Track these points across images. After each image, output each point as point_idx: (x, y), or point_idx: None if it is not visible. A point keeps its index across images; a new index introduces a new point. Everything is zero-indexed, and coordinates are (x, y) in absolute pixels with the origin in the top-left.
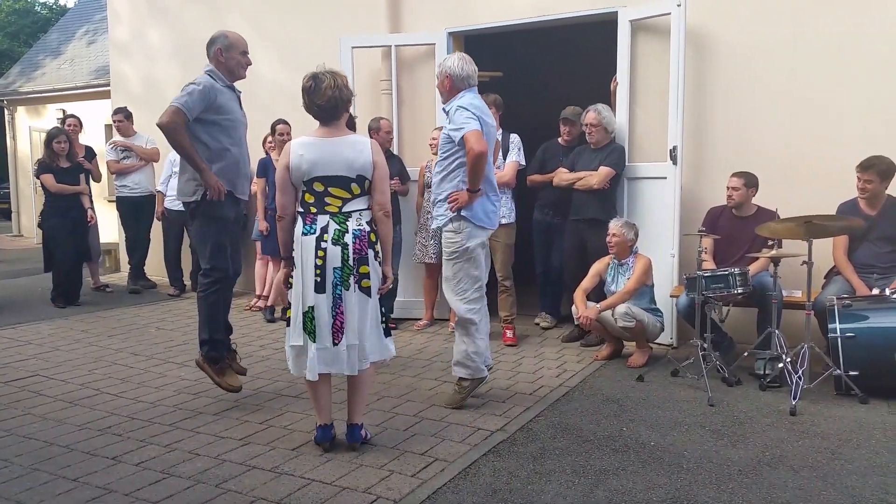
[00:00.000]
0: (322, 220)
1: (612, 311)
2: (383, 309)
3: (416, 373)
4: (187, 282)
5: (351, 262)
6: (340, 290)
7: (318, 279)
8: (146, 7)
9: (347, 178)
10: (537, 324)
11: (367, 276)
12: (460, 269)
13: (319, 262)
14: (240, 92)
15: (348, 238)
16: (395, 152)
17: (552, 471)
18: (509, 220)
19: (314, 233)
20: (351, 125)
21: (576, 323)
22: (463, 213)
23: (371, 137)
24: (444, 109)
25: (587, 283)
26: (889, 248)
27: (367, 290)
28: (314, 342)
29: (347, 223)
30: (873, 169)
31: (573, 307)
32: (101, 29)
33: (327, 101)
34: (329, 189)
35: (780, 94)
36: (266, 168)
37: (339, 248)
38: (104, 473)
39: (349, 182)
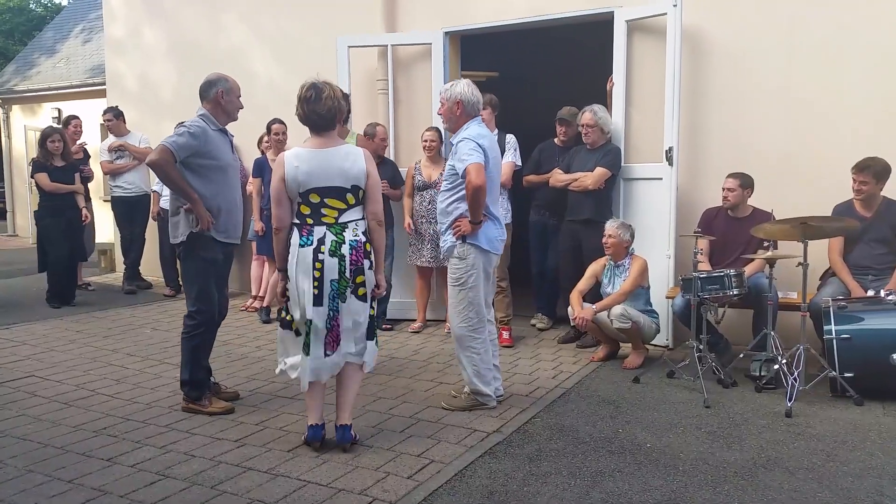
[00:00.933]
0: (319, 231)
1: (607, 312)
2: (372, 314)
3: (413, 374)
4: None
5: (348, 273)
6: (337, 303)
7: (316, 292)
8: (142, 5)
9: (343, 188)
10: (533, 325)
11: (362, 284)
12: (465, 296)
13: (317, 275)
14: (232, 136)
15: (345, 249)
16: (392, 152)
17: (548, 472)
18: (505, 220)
19: (311, 244)
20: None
21: (572, 324)
22: (468, 239)
23: (367, 142)
24: (451, 142)
25: (583, 284)
26: (884, 250)
27: (363, 297)
28: (307, 355)
29: (344, 234)
30: (869, 170)
31: (569, 308)
32: (97, 27)
33: (327, 111)
34: (325, 200)
35: (776, 94)
36: (262, 168)
37: (336, 260)
38: (99, 475)
39: (345, 192)
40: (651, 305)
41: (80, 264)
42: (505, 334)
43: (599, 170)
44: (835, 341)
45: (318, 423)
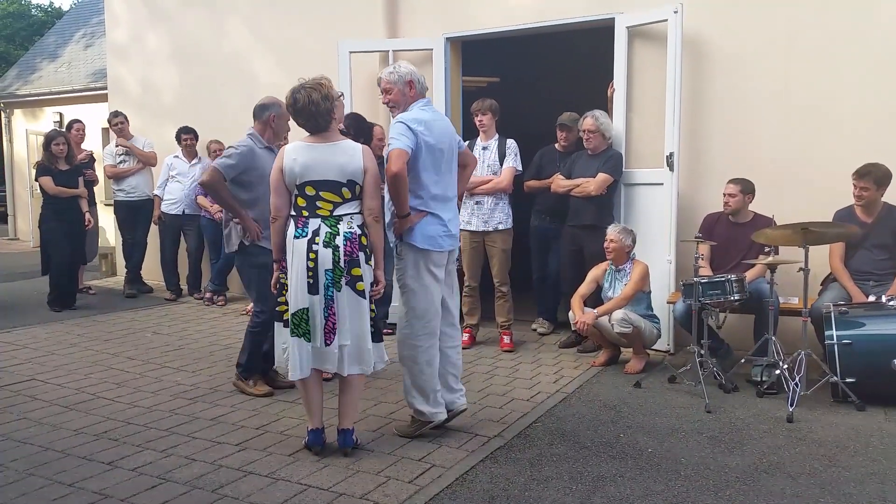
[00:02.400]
0: (313, 223)
1: (608, 316)
2: (374, 315)
3: None
4: (184, 286)
5: (342, 264)
6: (332, 292)
7: (311, 281)
8: (145, 10)
9: (339, 182)
10: (534, 329)
11: (360, 278)
12: (405, 300)
13: (311, 265)
14: (278, 148)
15: (339, 240)
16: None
17: (549, 477)
18: (506, 225)
19: (306, 236)
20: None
21: (573, 329)
22: (404, 237)
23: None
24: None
25: (584, 288)
26: (885, 256)
27: (361, 293)
28: (308, 342)
29: (339, 226)
30: (869, 176)
31: (570, 313)
32: (99, 32)
33: (306, 118)
34: (320, 193)
35: (776, 100)
36: None
37: (330, 251)
38: (100, 479)
39: (340, 186)
40: (652, 310)
41: (81, 268)
42: (506, 339)
43: (602, 175)
44: (836, 346)
45: (319, 427)
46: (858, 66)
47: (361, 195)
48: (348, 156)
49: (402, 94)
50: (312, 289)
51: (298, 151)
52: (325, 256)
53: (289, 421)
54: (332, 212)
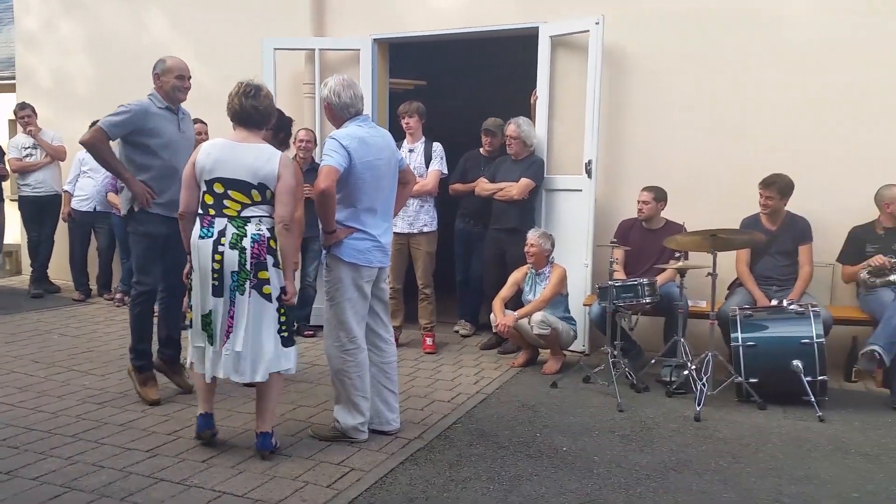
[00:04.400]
0: (220, 223)
1: (528, 318)
2: (283, 319)
3: None
4: (93, 286)
5: (248, 266)
6: (235, 295)
7: (216, 283)
8: None
9: (249, 183)
10: (456, 331)
11: (267, 282)
12: (333, 313)
13: (217, 266)
14: (184, 114)
15: (246, 242)
16: (318, 157)
17: (468, 477)
18: (431, 228)
19: (211, 236)
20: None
21: (494, 331)
22: (332, 250)
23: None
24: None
25: (505, 291)
26: (787, 262)
27: (267, 297)
28: (212, 345)
29: (246, 227)
30: (774, 186)
31: (491, 315)
32: (6, 19)
33: (264, 108)
34: (229, 192)
35: (690, 112)
36: None
37: (236, 252)
38: None
39: (250, 188)
40: (569, 312)
41: None
42: (428, 341)
43: (524, 180)
44: (741, 348)
45: (209, 412)
46: (770, 81)
47: (272, 200)
48: (264, 159)
49: (326, 114)
50: (217, 291)
51: (214, 147)
52: (231, 258)
53: None
54: (239, 212)
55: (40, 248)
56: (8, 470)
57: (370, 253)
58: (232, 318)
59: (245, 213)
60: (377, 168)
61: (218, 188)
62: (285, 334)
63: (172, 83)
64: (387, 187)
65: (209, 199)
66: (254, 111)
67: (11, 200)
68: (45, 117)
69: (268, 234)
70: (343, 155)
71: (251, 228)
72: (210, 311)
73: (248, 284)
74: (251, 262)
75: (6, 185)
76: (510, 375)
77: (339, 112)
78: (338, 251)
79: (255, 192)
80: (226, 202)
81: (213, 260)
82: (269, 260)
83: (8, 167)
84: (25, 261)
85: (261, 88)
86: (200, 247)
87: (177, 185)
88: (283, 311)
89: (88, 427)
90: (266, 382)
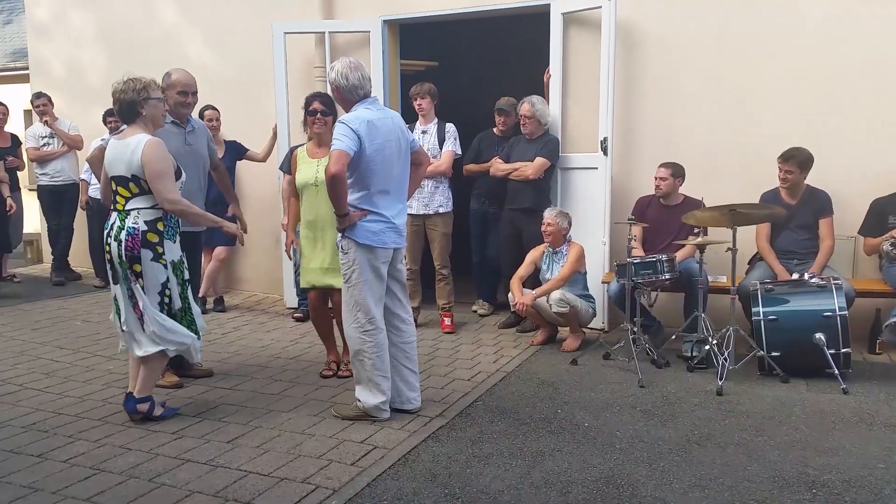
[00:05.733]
0: (113, 216)
1: (547, 297)
2: (186, 305)
3: None
4: None
5: (123, 258)
6: (129, 282)
7: (112, 272)
8: None
9: (125, 177)
10: (475, 311)
11: (140, 275)
12: (351, 295)
13: (108, 257)
14: (193, 127)
15: (123, 235)
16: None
17: (490, 454)
18: (447, 209)
19: (107, 229)
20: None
21: (512, 310)
22: (346, 232)
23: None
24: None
25: (523, 270)
26: (807, 235)
27: (141, 288)
28: (120, 326)
29: (126, 220)
30: (794, 160)
31: (509, 294)
32: (18, 8)
33: (119, 106)
34: (118, 188)
35: (706, 87)
36: None
37: (117, 244)
38: (29, 472)
39: (127, 181)
40: (588, 290)
41: (4, 256)
42: (447, 321)
43: (539, 160)
44: (762, 322)
45: (132, 391)
46: (786, 55)
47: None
48: (129, 151)
49: (335, 98)
50: (115, 279)
51: (110, 146)
52: (114, 250)
53: (226, 408)
54: (124, 206)
55: (60, 236)
56: (39, 453)
57: (384, 234)
58: (139, 305)
59: (128, 206)
60: (387, 150)
61: (113, 185)
62: (171, 312)
63: (175, 99)
64: (398, 169)
65: (111, 196)
66: (118, 106)
67: (30, 190)
68: (59, 107)
69: (144, 228)
70: (353, 139)
71: (129, 222)
72: (114, 296)
73: (126, 274)
74: (125, 255)
75: (23, 174)
76: (529, 353)
77: (348, 94)
78: (352, 233)
79: (132, 185)
80: (117, 197)
81: (105, 251)
82: (147, 254)
83: (25, 157)
84: (46, 249)
85: (121, 82)
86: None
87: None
88: (166, 306)
89: (114, 410)
90: (145, 358)
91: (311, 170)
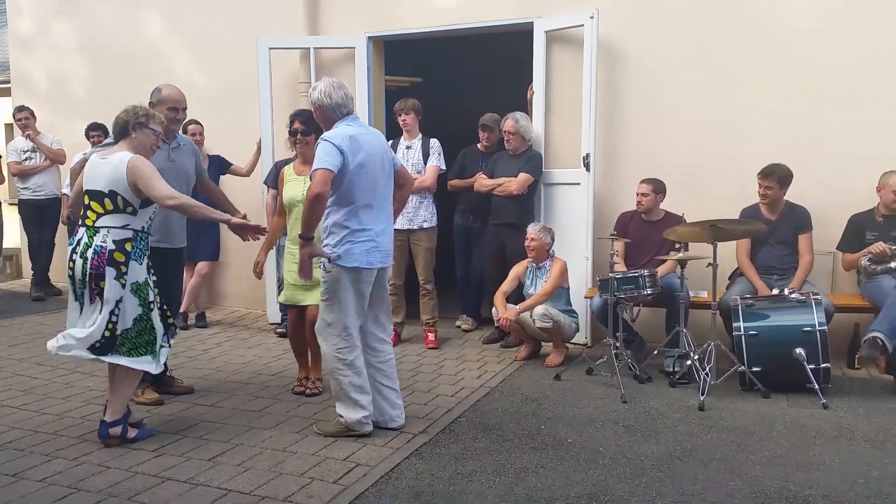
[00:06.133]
0: (80, 231)
1: (530, 312)
2: (107, 332)
3: None
4: None
5: (87, 277)
6: (85, 302)
7: (73, 288)
8: None
9: (102, 192)
10: (458, 326)
11: (102, 291)
12: (328, 312)
13: (70, 273)
14: (179, 143)
15: (90, 253)
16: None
17: (473, 471)
18: (431, 224)
19: (72, 244)
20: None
21: (496, 325)
22: (333, 257)
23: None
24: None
25: (506, 285)
26: (787, 251)
27: (105, 304)
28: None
29: (94, 238)
30: (773, 176)
31: (493, 309)
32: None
33: (115, 124)
34: (90, 202)
35: (687, 104)
36: None
37: (82, 262)
38: (3, 492)
39: (103, 197)
40: (571, 305)
41: None
42: (431, 336)
43: (523, 175)
44: (743, 337)
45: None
46: (767, 72)
47: (127, 209)
48: (111, 166)
49: (318, 118)
50: (74, 295)
51: (90, 162)
52: (78, 266)
53: (207, 425)
54: (94, 222)
55: (41, 251)
56: (14, 472)
57: (370, 254)
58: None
59: (98, 223)
60: (370, 164)
61: (86, 199)
62: (98, 346)
63: (165, 115)
64: (382, 184)
65: (82, 211)
66: (115, 122)
67: (10, 204)
68: (42, 120)
69: (112, 247)
70: (336, 155)
71: (97, 240)
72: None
73: (86, 292)
74: (90, 273)
75: (3, 188)
76: (513, 369)
77: (331, 113)
78: (337, 258)
79: (107, 201)
80: (88, 213)
81: (69, 267)
82: (111, 272)
83: (5, 171)
84: (26, 264)
85: (129, 106)
86: (68, 253)
87: (162, 213)
88: (110, 326)
89: (93, 428)
90: (114, 373)
91: (298, 187)
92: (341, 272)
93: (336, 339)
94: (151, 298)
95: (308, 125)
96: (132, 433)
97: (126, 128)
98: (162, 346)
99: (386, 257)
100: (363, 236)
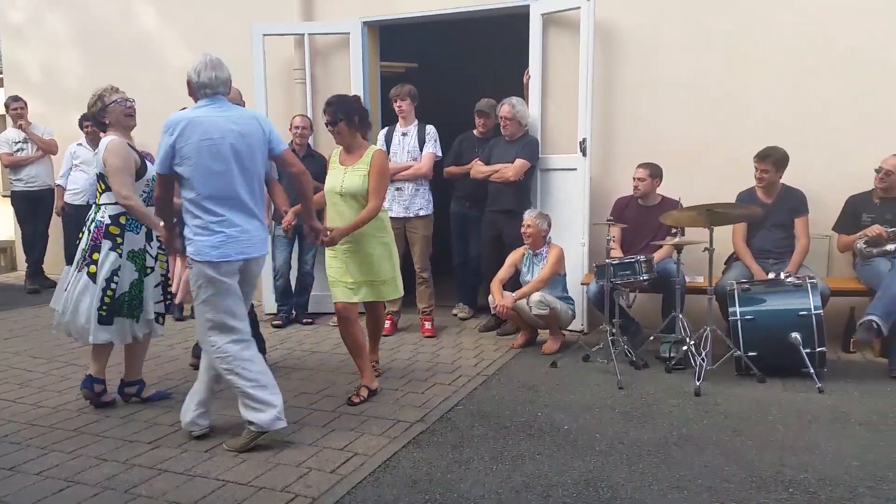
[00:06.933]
0: (94, 208)
1: (527, 299)
2: (107, 300)
3: (334, 368)
4: None
5: (86, 246)
6: (76, 269)
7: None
8: None
9: (99, 174)
10: (455, 314)
11: (94, 262)
12: (198, 311)
13: (78, 243)
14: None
15: (92, 227)
16: (312, 145)
17: (471, 458)
18: (427, 211)
19: (87, 218)
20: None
21: (492, 312)
22: (187, 248)
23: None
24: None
25: (503, 273)
26: (783, 235)
27: (92, 276)
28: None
29: (97, 213)
30: (769, 159)
31: (490, 297)
32: None
33: (91, 115)
34: (98, 182)
35: (684, 88)
36: None
37: (87, 234)
38: (1, 485)
39: (100, 178)
40: (567, 292)
41: None
42: (427, 324)
43: (519, 161)
44: (739, 322)
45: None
46: (765, 55)
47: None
48: (100, 150)
49: (190, 90)
50: (70, 260)
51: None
52: (84, 238)
53: None
54: (98, 199)
55: (35, 243)
56: (11, 466)
57: (225, 246)
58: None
59: (100, 200)
60: (212, 150)
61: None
62: (103, 313)
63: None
64: (234, 172)
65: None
66: (92, 121)
67: (3, 196)
68: (35, 112)
69: (108, 221)
70: (166, 150)
71: (98, 215)
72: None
73: (83, 262)
74: (89, 244)
75: None
76: (510, 356)
77: (195, 91)
78: (190, 251)
79: (101, 182)
80: (97, 191)
81: (78, 238)
82: (106, 244)
83: None
84: (20, 256)
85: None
86: None
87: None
88: (109, 293)
89: (90, 421)
90: (136, 343)
91: (337, 177)
92: (199, 266)
93: (212, 339)
94: (150, 265)
95: (334, 115)
96: (147, 392)
97: (98, 119)
98: (150, 319)
99: (249, 247)
100: (214, 231)
